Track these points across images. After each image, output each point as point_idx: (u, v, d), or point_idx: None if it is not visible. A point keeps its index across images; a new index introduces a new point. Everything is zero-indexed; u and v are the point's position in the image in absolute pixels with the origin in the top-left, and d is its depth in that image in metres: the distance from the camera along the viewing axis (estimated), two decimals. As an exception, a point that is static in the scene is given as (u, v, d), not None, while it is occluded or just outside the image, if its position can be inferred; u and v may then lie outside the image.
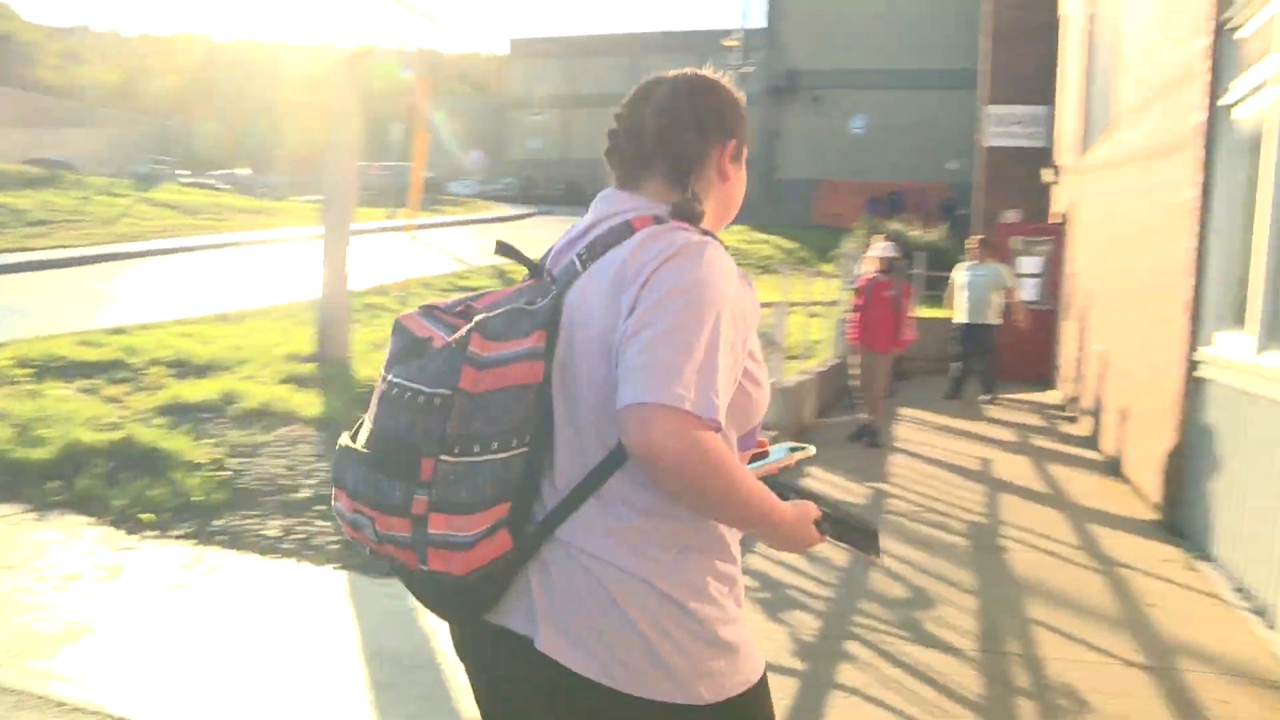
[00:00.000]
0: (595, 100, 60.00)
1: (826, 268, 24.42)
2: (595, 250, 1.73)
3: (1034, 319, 13.43)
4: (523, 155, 61.83)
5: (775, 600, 5.22)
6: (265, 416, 7.87)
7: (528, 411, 1.58)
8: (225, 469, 6.63)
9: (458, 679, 4.05)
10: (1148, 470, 7.44)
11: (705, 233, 1.73)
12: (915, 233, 25.25)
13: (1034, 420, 11.86)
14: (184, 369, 9.17)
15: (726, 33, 37.25)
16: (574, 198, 53.98)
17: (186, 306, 12.99)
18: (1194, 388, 6.62)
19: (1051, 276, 15.55)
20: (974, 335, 12.91)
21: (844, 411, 11.86)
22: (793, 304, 11.48)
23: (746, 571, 5.61)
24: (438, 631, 4.51)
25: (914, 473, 8.51)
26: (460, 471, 1.54)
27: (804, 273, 12.03)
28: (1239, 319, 6.17)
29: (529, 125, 62.35)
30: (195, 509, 6.04)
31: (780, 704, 3.97)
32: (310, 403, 8.28)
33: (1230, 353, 6.06)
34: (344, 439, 1.73)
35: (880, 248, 10.18)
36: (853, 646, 4.62)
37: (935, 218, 33.99)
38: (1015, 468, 8.82)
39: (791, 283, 10.51)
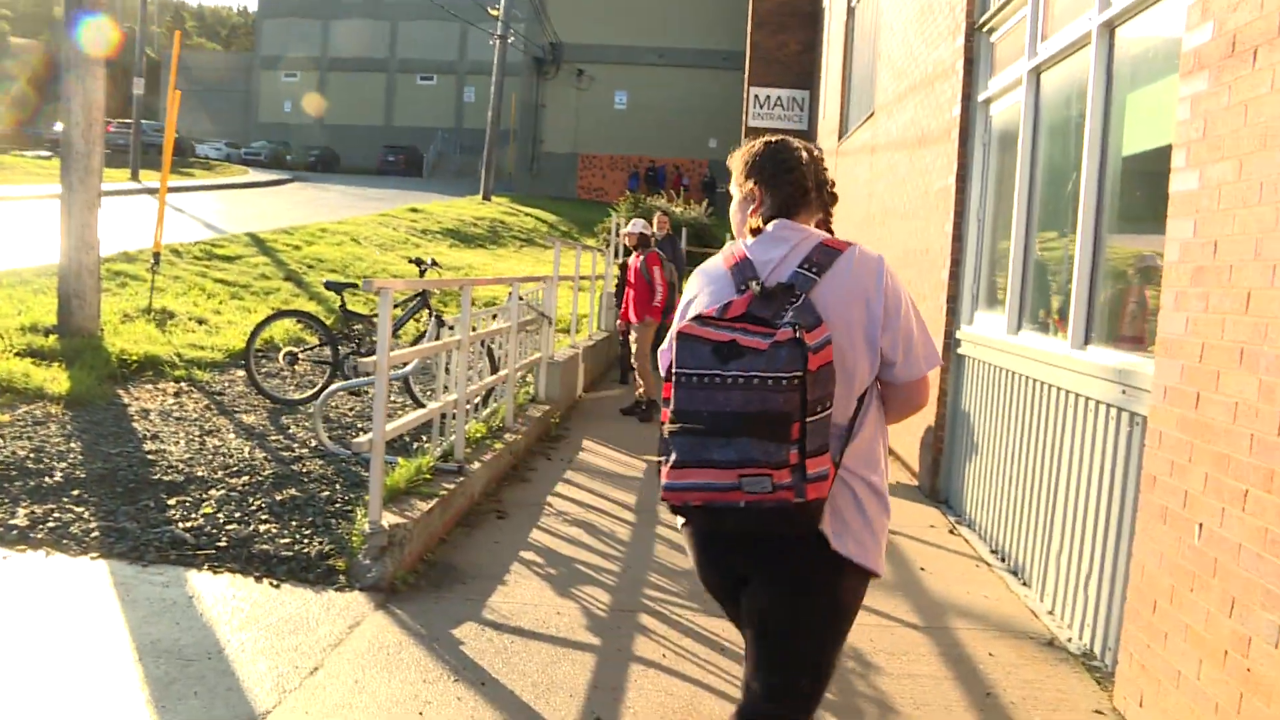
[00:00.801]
0: (353, 65, 58.01)
1: (590, 241, 24.58)
2: (820, 264, 2.40)
3: None
4: (275, 118, 59.11)
5: (564, 575, 5.21)
6: (3, 394, 7.23)
7: (832, 379, 2.26)
8: (-40, 450, 6.03)
9: (245, 668, 3.85)
10: (912, 441, 7.87)
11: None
12: (678, 209, 25.71)
13: (795, 393, 12.28)
14: (-100, 340, 8.31)
15: (488, 0, 36.71)
16: (329, 165, 52.07)
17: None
18: (954, 364, 7.04)
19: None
20: (738, 311, 13.30)
21: (612, 385, 12.03)
22: (561, 278, 11.48)
23: (530, 547, 5.61)
24: (219, 619, 4.28)
25: (688, 445, 8.67)
26: (814, 427, 2.20)
27: (571, 246, 12.05)
28: (995, 300, 6.59)
29: (282, 87, 59.66)
30: (-76, 497, 5.46)
31: (578, 679, 3.99)
32: (56, 379, 7.67)
33: (987, 331, 6.47)
34: (672, 427, 2.30)
35: (631, 224, 10.38)
36: (645, 619, 4.67)
37: (697, 194, 34.78)
38: (783, 440, 9.10)
39: (555, 255, 10.50)
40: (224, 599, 4.52)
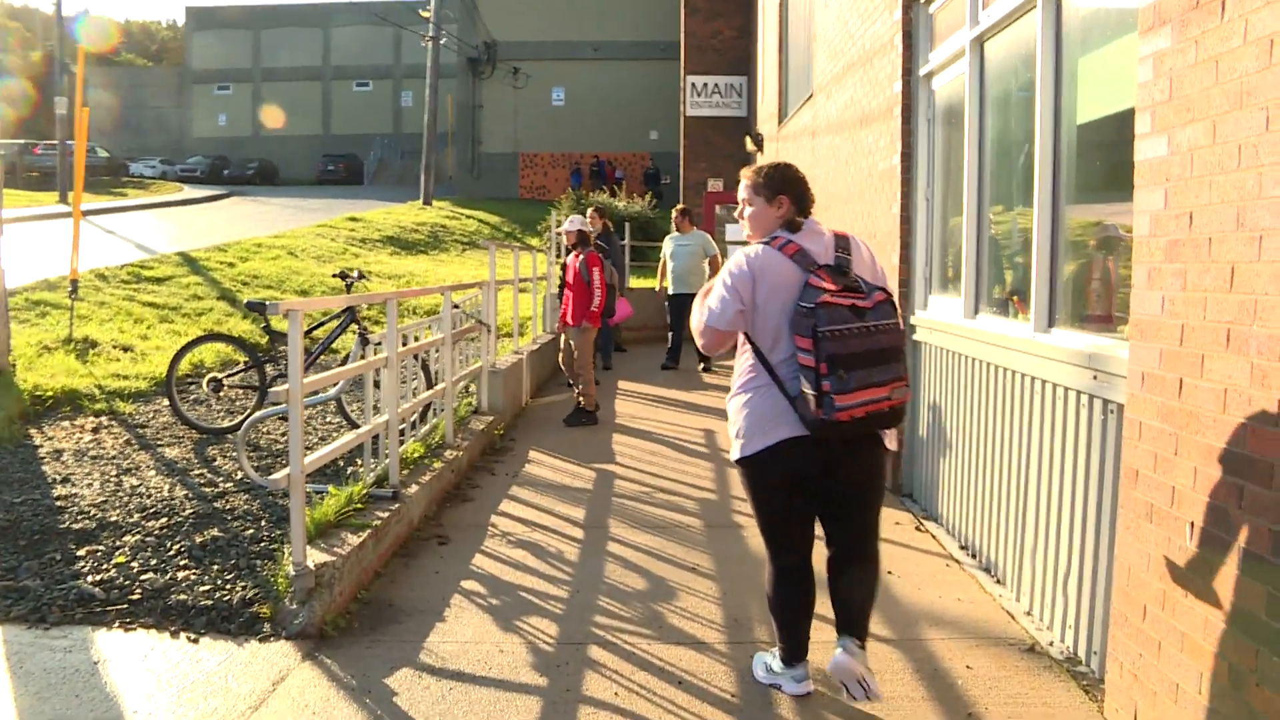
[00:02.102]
0: (287, 74, 57.03)
1: (534, 241, 24.15)
2: (845, 247, 3.60)
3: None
4: (210, 133, 57.91)
5: (508, 605, 4.85)
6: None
7: None
8: None
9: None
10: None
11: None
12: (621, 203, 25.36)
13: (749, 387, 11.95)
14: None
15: (419, 3, 35.89)
16: (268, 178, 51.14)
17: None
18: (910, 351, 6.73)
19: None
20: (684, 305, 13.00)
21: (561, 389, 11.63)
22: (501, 281, 11.10)
23: (472, 575, 5.24)
24: (127, 686, 3.87)
25: (639, 451, 8.33)
26: (904, 354, 3.52)
27: (510, 248, 11.65)
28: (949, 283, 6.29)
29: (216, 101, 58.47)
30: None
31: (525, 727, 3.63)
32: (-43, 420, 7.18)
33: (943, 315, 6.17)
34: (842, 370, 3.31)
35: (569, 221, 9.89)
36: (596, 652, 4.31)
37: (639, 187, 34.46)
38: (738, 438, 8.74)
39: (499, 258, 10.10)
40: (135, 661, 4.11)
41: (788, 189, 3.67)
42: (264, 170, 51.68)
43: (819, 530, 3.80)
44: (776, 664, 3.94)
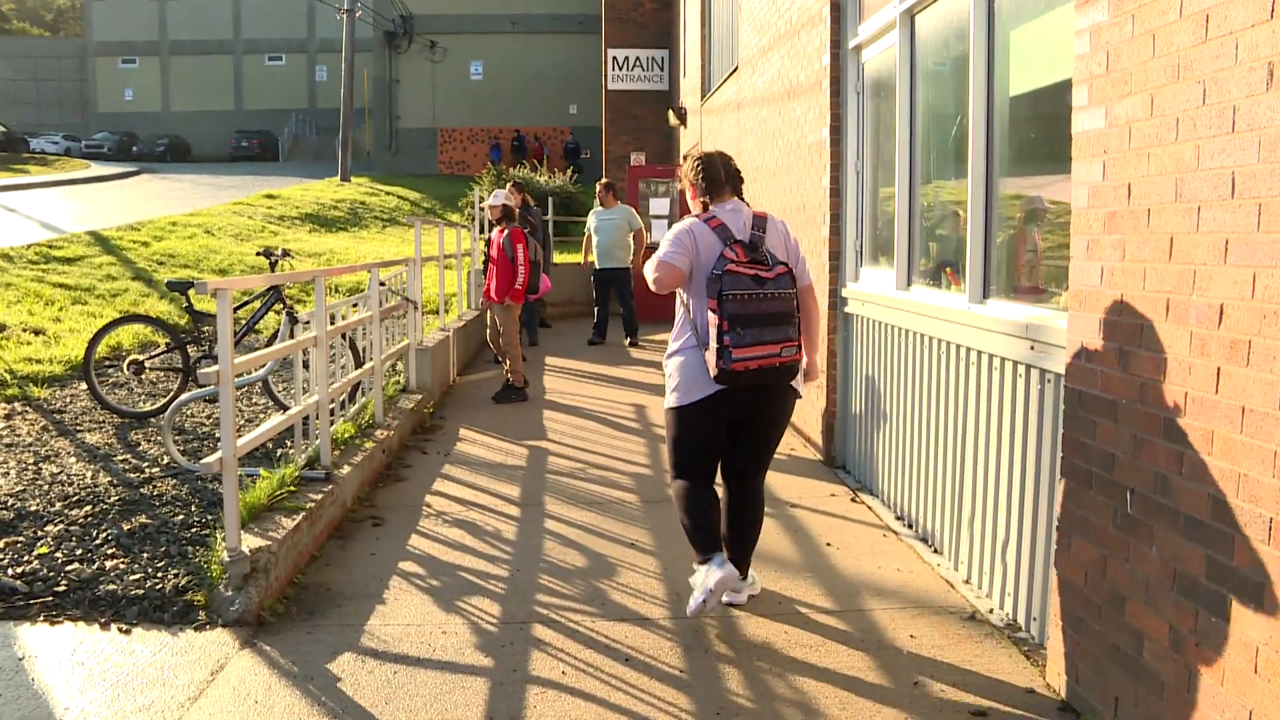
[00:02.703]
0: (196, 47, 55.53)
1: (455, 217, 23.90)
2: (760, 226, 4.19)
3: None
4: (116, 108, 56.14)
5: (449, 586, 4.80)
6: None
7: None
8: None
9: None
10: (804, 407, 7.60)
11: None
12: (543, 178, 25.18)
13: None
14: None
15: (333, -26, 35.20)
16: (179, 155, 49.85)
17: None
18: (842, 323, 6.77)
19: (680, 216, 15.86)
20: (609, 280, 12.97)
21: (488, 366, 11.54)
22: (426, 258, 10.95)
23: (410, 556, 5.18)
24: (55, 681, 3.75)
25: (570, 427, 8.30)
26: (796, 320, 4.08)
27: (434, 225, 11.49)
28: (880, 255, 6.34)
29: (121, 74, 56.68)
30: None
31: (472, 710, 3.60)
32: None
33: (875, 288, 6.22)
34: (739, 328, 3.92)
35: (493, 196, 9.75)
36: (540, 631, 4.29)
37: (560, 162, 34.25)
38: (670, 412, 8.73)
39: (422, 235, 9.94)
40: (63, 655, 3.99)
41: (698, 177, 4.32)
42: (175, 147, 50.30)
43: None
44: (697, 575, 4.25)
